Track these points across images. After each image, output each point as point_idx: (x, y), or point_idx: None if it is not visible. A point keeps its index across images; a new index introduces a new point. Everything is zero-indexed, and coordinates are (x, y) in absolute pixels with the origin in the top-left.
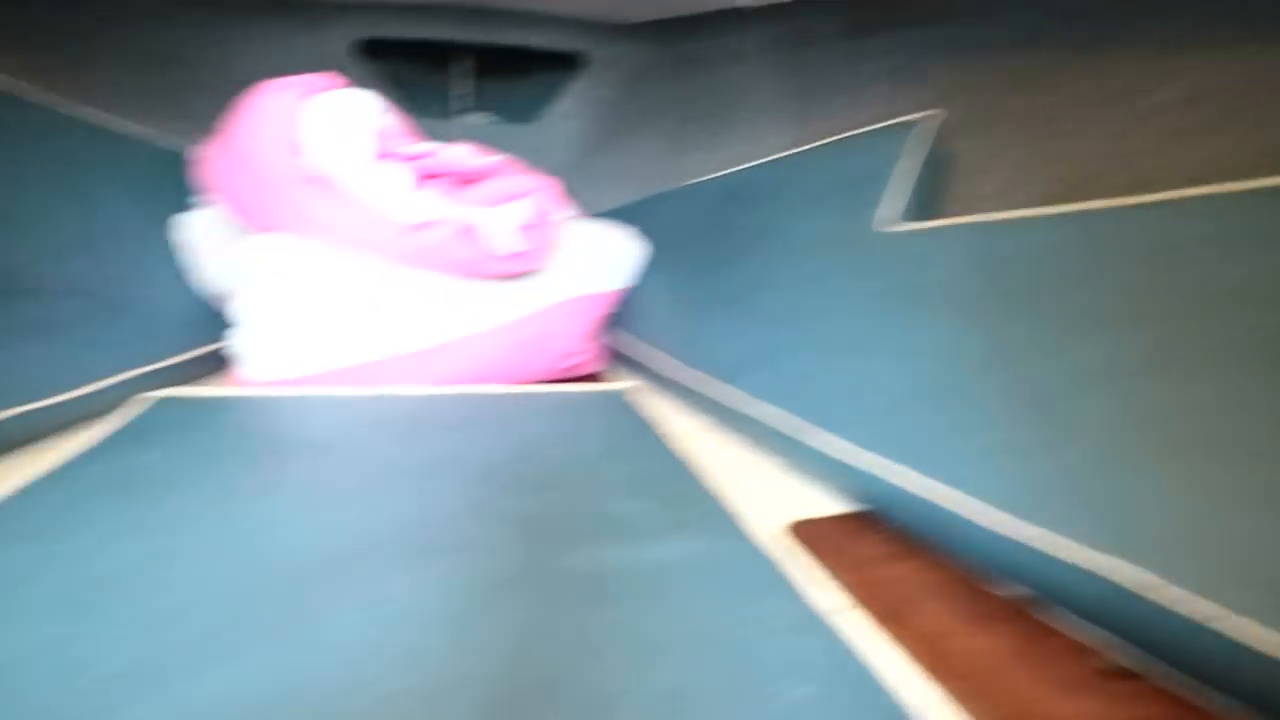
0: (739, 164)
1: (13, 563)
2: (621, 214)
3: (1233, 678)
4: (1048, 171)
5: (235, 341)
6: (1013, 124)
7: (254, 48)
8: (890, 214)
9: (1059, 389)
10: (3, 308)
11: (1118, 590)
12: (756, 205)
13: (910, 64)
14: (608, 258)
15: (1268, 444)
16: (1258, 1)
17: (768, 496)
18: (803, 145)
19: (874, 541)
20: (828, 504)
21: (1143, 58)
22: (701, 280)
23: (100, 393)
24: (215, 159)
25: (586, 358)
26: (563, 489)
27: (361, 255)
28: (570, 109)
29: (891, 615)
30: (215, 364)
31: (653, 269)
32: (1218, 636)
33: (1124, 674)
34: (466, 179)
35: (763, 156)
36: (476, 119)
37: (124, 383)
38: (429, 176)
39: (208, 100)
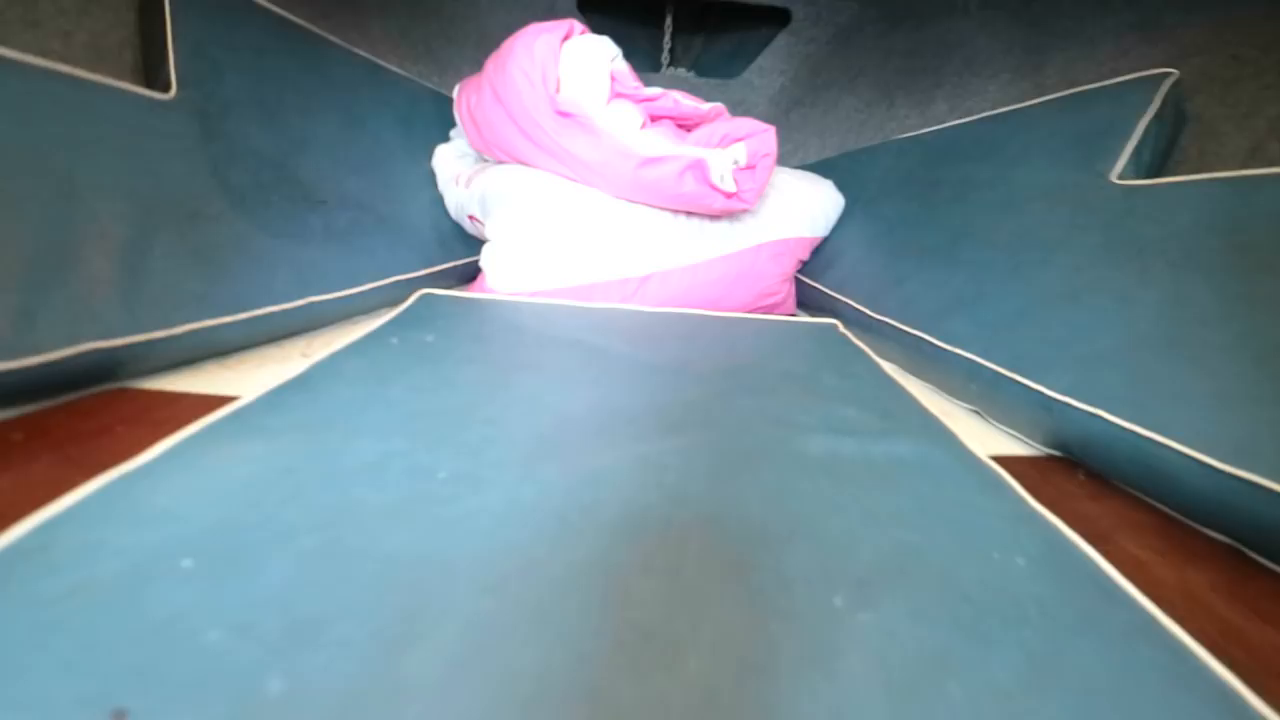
0: (949, 120)
1: (353, 398)
2: (821, 168)
3: None
4: None
5: (483, 256)
6: (1257, 84)
7: (490, 1)
8: (1127, 168)
9: None
10: (299, 215)
11: None
12: (968, 159)
13: (1150, 18)
14: (810, 206)
15: None
16: None
17: (963, 432)
18: (1026, 101)
19: (1073, 481)
20: (1019, 447)
21: None
22: (899, 232)
23: (371, 291)
24: (474, 95)
25: (781, 297)
26: (790, 394)
27: (597, 186)
28: (771, 64)
29: (1093, 541)
30: (461, 276)
31: (848, 221)
32: None
33: None
34: (687, 123)
35: (978, 113)
36: (683, 72)
37: (391, 285)
38: (655, 118)
39: (456, 50)
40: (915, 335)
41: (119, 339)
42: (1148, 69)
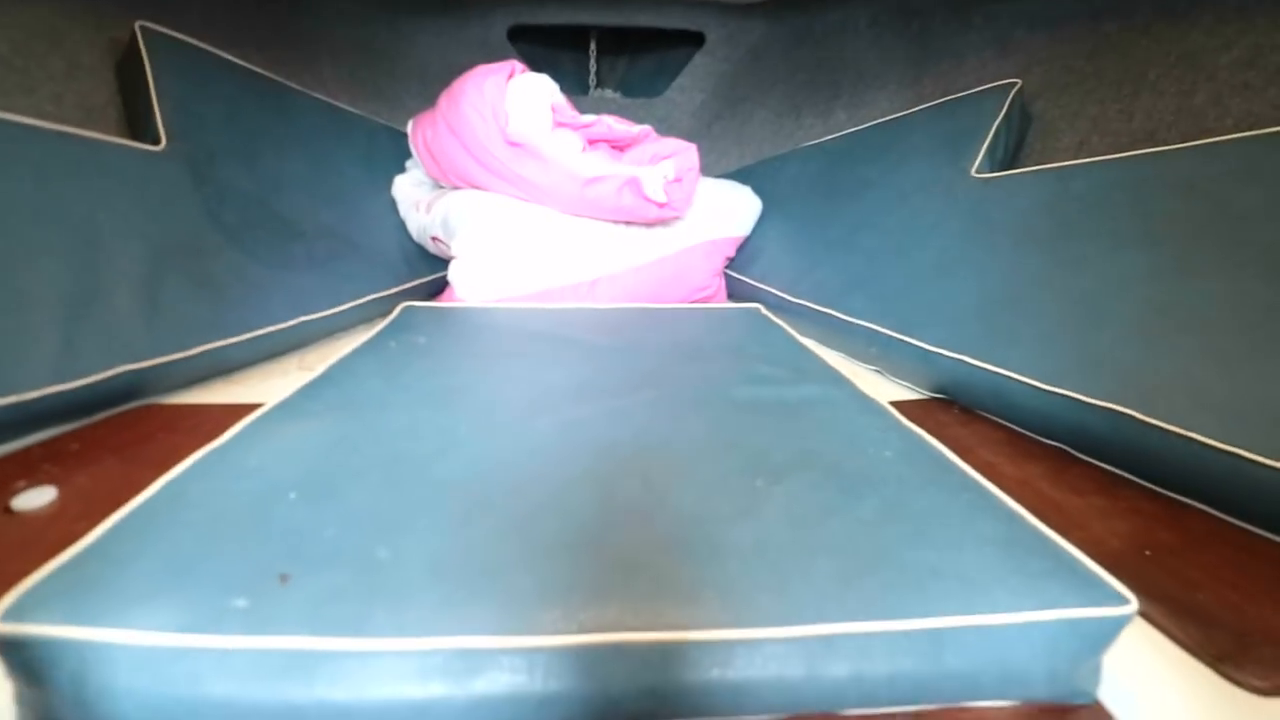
0: (848, 128)
1: (374, 386)
2: (740, 175)
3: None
4: (1119, 127)
5: (451, 270)
6: (1089, 87)
7: (429, 39)
8: (983, 164)
9: (1101, 291)
10: (285, 246)
11: (1130, 426)
12: (863, 162)
13: (1004, 34)
14: (733, 209)
15: (1252, 323)
16: None
17: (866, 387)
18: (909, 109)
19: (949, 414)
20: (911, 395)
21: (1207, 24)
22: (809, 227)
23: (352, 309)
24: (429, 129)
25: (713, 290)
26: (721, 360)
27: (546, 204)
28: (691, 83)
29: (957, 452)
30: (428, 291)
31: (765, 220)
32: (1186, 449)
33: (1125, 483)
34: (620, 144)
35: (871, 120)
36: (609, 93)
37: (369, 302)
38: (592, 142)
39: (403, 86)
40: (825, 313)
41: (145, 361)
42: (1002, 79)
